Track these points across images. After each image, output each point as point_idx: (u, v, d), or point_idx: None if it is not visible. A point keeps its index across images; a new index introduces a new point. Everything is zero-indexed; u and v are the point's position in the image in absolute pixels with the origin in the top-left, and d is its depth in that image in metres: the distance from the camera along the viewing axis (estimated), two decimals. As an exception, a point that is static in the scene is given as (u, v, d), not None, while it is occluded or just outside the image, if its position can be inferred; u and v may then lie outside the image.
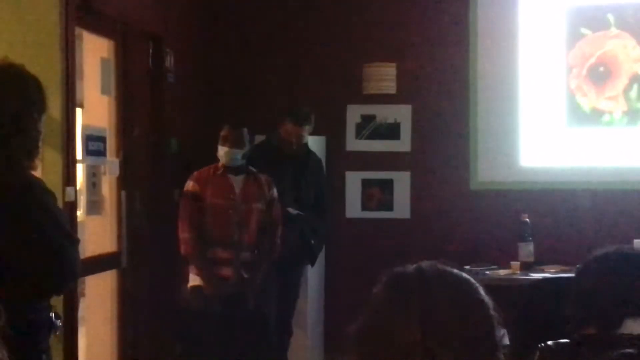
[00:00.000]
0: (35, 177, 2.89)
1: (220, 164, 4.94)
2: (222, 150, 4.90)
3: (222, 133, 4.94)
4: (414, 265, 1.25)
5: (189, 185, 4.90)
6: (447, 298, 1.19)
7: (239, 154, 4.90)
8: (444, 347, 1.13)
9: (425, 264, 1.25)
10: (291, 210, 5.40)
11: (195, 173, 4.96)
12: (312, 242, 5.54)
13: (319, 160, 5.82)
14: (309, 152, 5.64)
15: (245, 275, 4.83)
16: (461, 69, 6.51)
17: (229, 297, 4.80)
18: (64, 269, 2.81)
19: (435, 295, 1.19)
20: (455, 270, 1.25)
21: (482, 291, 1.24)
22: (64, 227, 2.86)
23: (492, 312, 1.22)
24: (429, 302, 1.18)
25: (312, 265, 5.78)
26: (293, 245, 5.32)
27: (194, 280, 4.85)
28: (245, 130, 4.99)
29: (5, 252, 2.67)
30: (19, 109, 2.81)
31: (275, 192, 5.05)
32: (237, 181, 4.90)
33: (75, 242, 2.94)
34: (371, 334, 1.20)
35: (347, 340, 1.23)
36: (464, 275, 1.24)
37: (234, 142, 4.88)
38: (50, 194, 2.86)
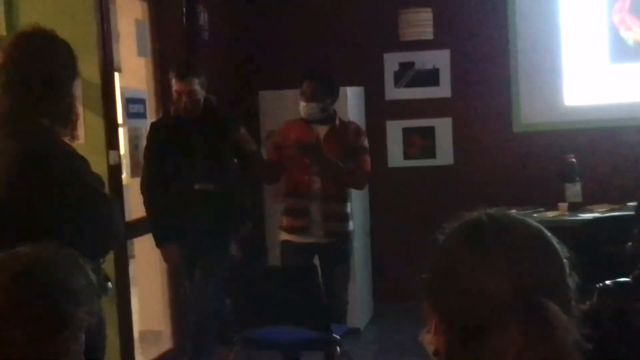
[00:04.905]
0: (66, 145, 2.82)
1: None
2: (299, 105, 4.85)
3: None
4: (483, 213, 1.21)
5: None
6: (530, 248, 1.16)
7: (314, 108, 4.80)
8: (535, 297, 1.11)
9: (494, 211, 1.21)
10: (197, 186, 4.63)
11: (282, 123, 5.02)
12: (227, 229, 4.79)
13: (234, 119, 4.87)
14: (215, 111, 4.79)
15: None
16: (499, 9, 6.37)
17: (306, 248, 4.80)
18: (102, 233, 2.81)
19: (518, 245, 1.16)
20: (526, 218, 1.22)
21: (552, 237, 1.21)
22: (97, 192, 2.83)
23: (564, 258, 1.19)
24: (515, 253, 1.16)
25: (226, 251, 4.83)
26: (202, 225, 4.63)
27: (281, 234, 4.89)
28: (319, 83, 4.82)
29: (37, 221, 2.65)
30: (50, 73, 2.77)
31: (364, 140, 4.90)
32: (322, 131, 4.82)
33: (112, 204, 2.92)
34: (449, 284, 1.17)
35: (420, 288, 1.21)
36: (534, 222, 1.21)
37: (309, 97, 4.78)
38: (81, 161, 2.83)
